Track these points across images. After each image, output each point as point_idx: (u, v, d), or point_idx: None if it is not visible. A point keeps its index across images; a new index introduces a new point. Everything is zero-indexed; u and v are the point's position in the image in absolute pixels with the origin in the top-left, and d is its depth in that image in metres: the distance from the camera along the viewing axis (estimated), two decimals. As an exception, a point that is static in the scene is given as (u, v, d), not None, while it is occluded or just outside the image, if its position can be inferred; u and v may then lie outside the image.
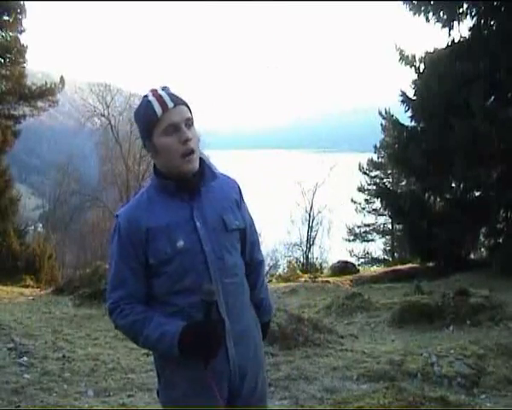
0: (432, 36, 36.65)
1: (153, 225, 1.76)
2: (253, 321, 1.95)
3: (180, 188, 1.79)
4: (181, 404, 1.81)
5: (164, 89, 1.81)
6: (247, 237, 1.95)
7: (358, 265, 22.21)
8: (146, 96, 1.81)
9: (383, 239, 32.32)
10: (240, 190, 1.97)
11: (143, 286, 1.81)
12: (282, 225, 29.28)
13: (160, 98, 1.77)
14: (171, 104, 1.76)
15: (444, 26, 13.64)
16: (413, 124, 14.67)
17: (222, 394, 1.79)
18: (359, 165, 32.21)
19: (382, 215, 29.19)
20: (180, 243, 1.75)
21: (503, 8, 12.65)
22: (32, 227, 28.12)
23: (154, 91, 1.80)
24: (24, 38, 19.60)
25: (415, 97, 14.25)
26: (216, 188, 1.87)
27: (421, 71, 14.13)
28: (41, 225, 32.08)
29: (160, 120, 1.75)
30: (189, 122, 1.79)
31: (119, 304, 1.81)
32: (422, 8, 13.77)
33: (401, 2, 14.20)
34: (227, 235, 1.83)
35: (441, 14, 13.54)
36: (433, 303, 7.19)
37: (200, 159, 1.85)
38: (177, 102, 1.78)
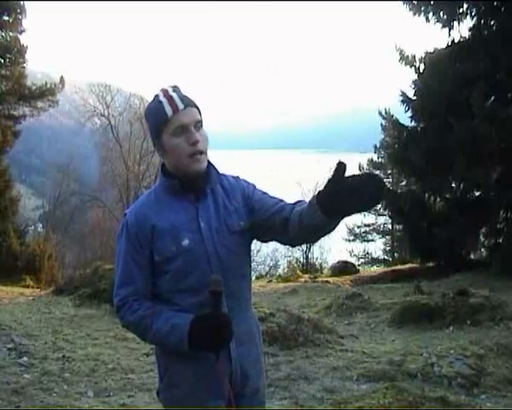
0: (432, 36, 36.62)
1: (159, 223, 1.78)
2: (254, 325, 1.95)
3: (186, 188, 1.81)
4: (186, 404, 1.80)
5: (174, 90, 1.82)
6: (256, 207, 1.85)
7: (358, 265, 22.18)
8: (157, 96, 1.82)
9: (383, 239, 32.28)
10: (243, 182, 1.93)
11: (149, 283, 1.83)
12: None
13: (170, 99, 1.78)
14: (181, 106, 1.77)
15: (444, 26, 13.65)
16: (413, 124, 14.66)
17: (225, 392, 1.79)
18: (359, 165, 32.14)
19: (382, 215, 29.14)
20: (185, 242, 1.77)
21: (503, 9, 12.65)
22: (32, 227, 28.10)
23: (165, 92, 1.81)
24: (24, 38, 19.59)
25: (415, 97, 14.24)
26: (220, 189, 1.89)
27: (421, 71, 14.12)
28: (41, 225, 32.04)
29: (169, 121, 1.77)
30: (199, 124, 1.81)
31: (127, 300, 1.80)
32: (422, 8, 13.78)
33: (401, 2, 14.22)
34: (230, 237, 1.83)
35: (441, 14, 13.54)
36: (433, 303, 7.17)
37: (208, 160, 1.87)
38: (188, 103, 1.79)
